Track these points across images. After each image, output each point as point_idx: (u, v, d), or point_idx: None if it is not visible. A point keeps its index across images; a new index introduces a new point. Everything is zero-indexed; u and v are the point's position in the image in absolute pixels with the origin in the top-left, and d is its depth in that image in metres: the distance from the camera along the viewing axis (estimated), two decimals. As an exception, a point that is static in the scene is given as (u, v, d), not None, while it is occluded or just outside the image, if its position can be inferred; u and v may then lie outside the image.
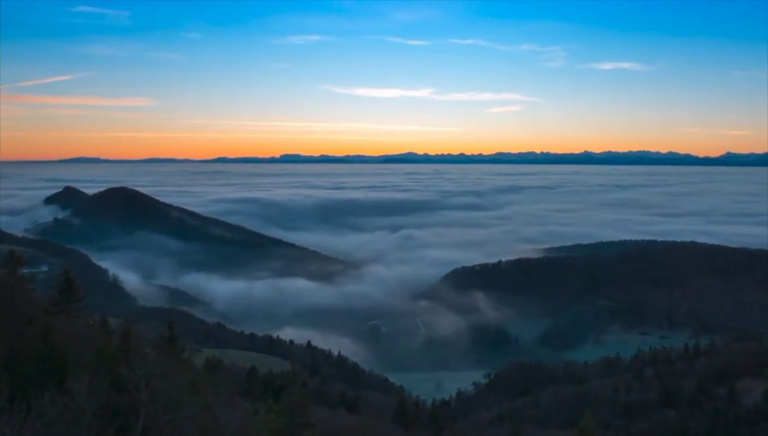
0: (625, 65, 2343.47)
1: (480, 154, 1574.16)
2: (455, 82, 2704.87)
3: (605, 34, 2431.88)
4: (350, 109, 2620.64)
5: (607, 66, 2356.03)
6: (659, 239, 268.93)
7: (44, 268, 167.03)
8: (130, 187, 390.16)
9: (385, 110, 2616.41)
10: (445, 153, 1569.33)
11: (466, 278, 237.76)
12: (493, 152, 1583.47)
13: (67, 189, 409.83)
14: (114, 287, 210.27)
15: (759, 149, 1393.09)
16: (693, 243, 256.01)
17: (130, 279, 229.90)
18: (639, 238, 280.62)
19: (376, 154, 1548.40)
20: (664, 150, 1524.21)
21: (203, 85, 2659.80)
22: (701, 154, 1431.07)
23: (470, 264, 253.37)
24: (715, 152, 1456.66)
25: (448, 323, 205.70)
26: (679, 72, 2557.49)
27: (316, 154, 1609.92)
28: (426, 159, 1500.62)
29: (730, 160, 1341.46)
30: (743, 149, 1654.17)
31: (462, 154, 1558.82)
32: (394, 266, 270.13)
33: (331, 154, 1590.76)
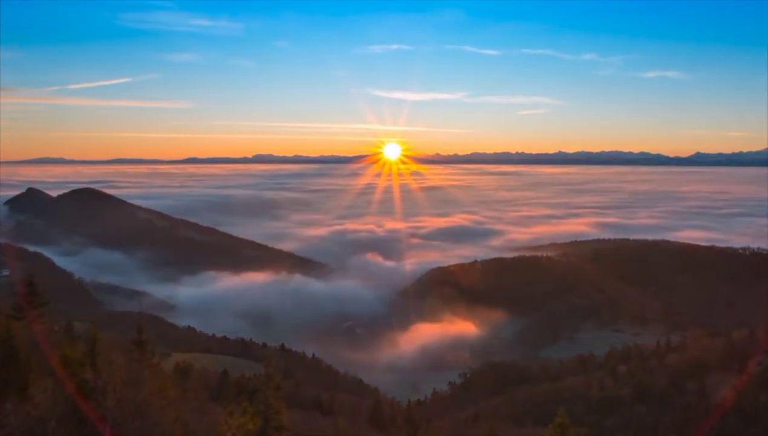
0: (670, 74, 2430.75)
1: (455, 155, 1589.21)
2: (492, 85, 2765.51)
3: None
4: (375, 111, 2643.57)
5: (651, 74, 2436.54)
6: (632, 238, 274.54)
7: (5, 272, 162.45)
8: (96, 188, 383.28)
9: (409, 112, 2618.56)
10: (421, 154, 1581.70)
11: (441, 278, 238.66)
12: (468, 153, 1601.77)
13: (30, 190, 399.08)
14: (80, 291, 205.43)
15: (727, 149, 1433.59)
16: (664, 241, 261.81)
17: (96, 283, 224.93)
18: (613, 236, 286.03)
19: (351, 154, 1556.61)
20: (636, 150, 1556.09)
21: (257, 90, 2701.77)
22: (672, 154, 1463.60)
23: (446, 264, 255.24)
24: (684, 152, 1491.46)
25: (423, 324, 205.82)
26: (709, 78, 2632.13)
27: (290, 154, 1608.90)
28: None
29: (699, 160, 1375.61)
30: (712, 150, 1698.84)
31: (438, 155, 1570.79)
32: (372, 265, 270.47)
33: (305, 154, 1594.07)
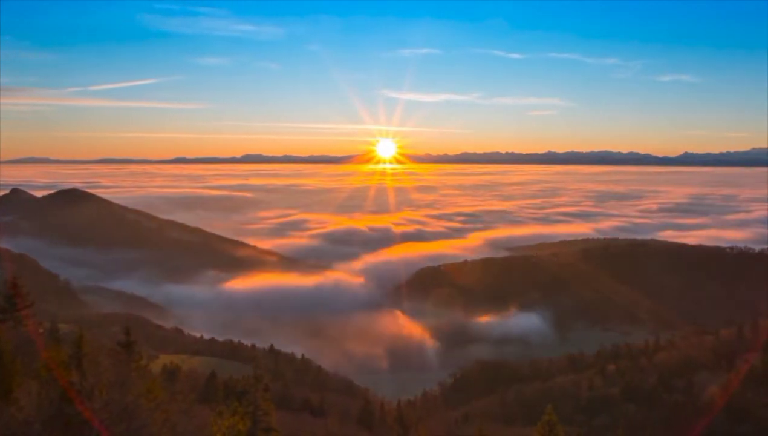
0: (684, 77, 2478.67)
1: (445, 155, 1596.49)
2: (507, 87, 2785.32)
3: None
4: (384, 113, 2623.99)
5: (666, 78, 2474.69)
6: (620, 237, 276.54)
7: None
8: (82, 188, 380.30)
9: (415, 114, 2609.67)
10: (411, 154, 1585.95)
11: (432, 278, 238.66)
12: (459, 153, 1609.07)
13: (14, 191, 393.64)
14: (65, 293, 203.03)
15: (715, 150, 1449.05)
16: (653, 241, 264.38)
17: (82, 284, 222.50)
18: (601, 236, 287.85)
19: (340, 154, 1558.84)
20: (625, 150, 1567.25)
21: (271, 93, 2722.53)
22: (660, 154, 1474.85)
23: (436, 264, 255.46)
24: (673, 152, 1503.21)
25: (413, 324, 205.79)
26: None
27: (279, 154, 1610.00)
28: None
29: (687, 160, 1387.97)
30: (700, 150, 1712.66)
31: (428, 155, 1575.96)
32: (359, 264, 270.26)
33: (294, 154, 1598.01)
